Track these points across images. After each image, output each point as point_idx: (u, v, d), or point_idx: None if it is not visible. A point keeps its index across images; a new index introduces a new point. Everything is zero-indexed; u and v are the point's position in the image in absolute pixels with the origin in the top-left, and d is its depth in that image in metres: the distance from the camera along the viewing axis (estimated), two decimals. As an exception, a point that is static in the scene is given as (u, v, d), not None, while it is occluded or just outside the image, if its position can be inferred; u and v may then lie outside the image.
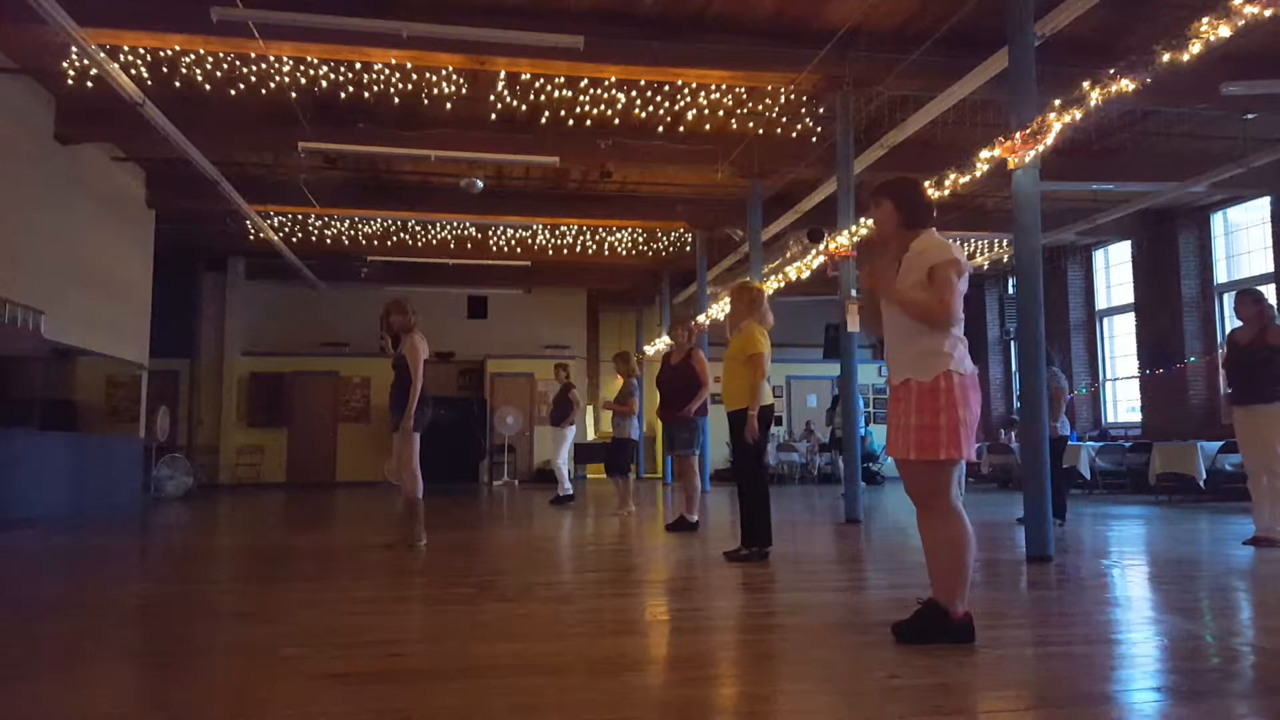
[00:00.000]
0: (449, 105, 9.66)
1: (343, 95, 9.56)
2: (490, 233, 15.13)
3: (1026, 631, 3.71)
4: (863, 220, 8.94)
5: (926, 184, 8.38)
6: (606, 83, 9.34)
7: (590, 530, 8.19)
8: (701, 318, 13.96)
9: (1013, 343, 16.28)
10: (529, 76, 9.21)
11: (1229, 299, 13.53)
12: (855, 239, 8.89)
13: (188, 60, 8.78)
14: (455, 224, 14.65)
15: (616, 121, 10.17)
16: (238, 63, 8.77)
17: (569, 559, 6.24)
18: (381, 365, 20.75)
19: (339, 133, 10.19)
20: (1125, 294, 15.13)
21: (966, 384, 3.24)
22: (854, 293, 8.99)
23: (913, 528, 8.29)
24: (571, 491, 11.50)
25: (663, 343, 15.08)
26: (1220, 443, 11.00)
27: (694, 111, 10.07)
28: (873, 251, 3.55)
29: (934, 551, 3.35)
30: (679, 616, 4.09)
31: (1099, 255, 15.98)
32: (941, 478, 3.28)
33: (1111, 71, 5.93)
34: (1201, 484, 10.72)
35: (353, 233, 14.78)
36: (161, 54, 8.61)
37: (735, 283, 6.45)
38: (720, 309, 13.63)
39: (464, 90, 9.50)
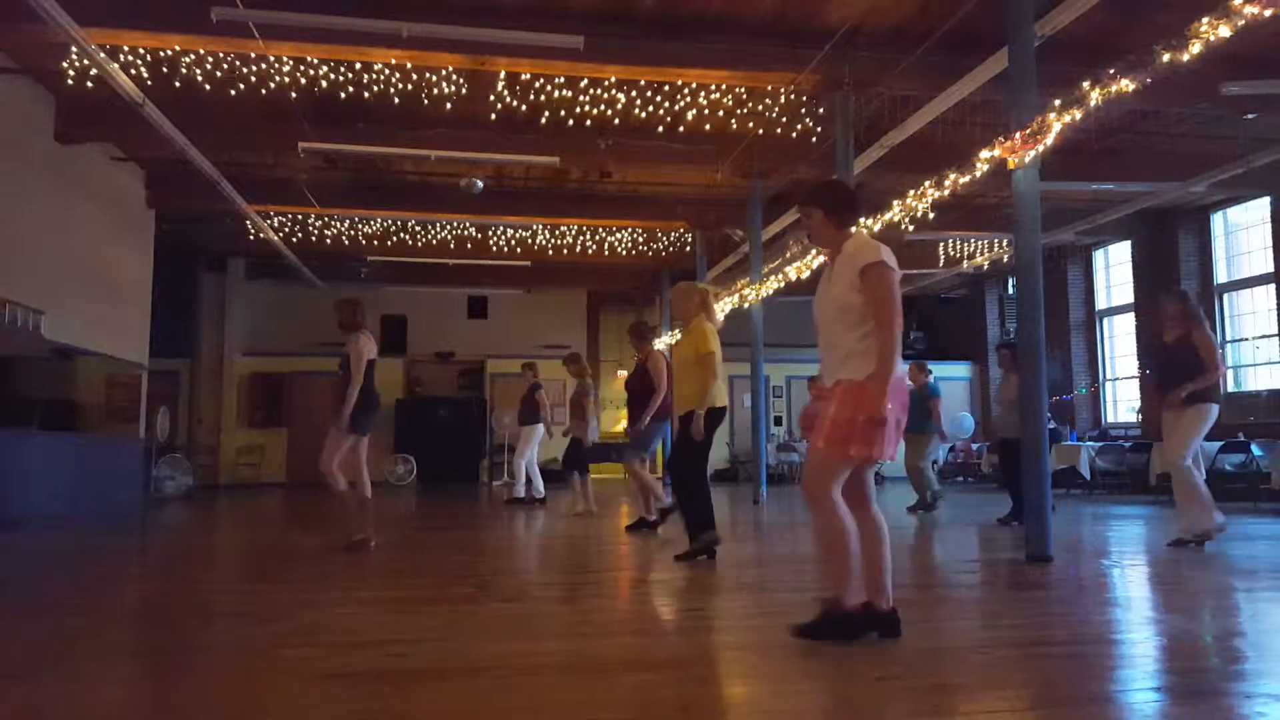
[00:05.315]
0: (449, 105, 9.66)
1: (343, 95, 9.56)
2: (490, 233, 15.13)
3: (1026, 631, 3.70)
4: (863, 220, 8.93)
5: (927, 184, 8.39)
6: (606, 83, 9.34)
7: (590, 531, 8.18)
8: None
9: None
10: (529, 76, 9.21)
11: (1229, 299, 13.57)
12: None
13: (188, 60, 8.77)
14: (455, 224, 14.65)
15: (616, 121, 10.16)
16: (238, 63, 8.77)
17: (569, 559, 6.24)
18: (381, 365, 20.68)
19: (339, 133, 10.19)
20: (1125, 294, 15.13)
21: (891, 387, 3.22)
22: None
23: (908, 527, 8.32)
24: (524, 495, 11.17)
25: (661, 344, 15.07)
26: (1220, 443, 11.00)
27: (694, 111, 10.07)
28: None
29: (820, 545, 3.34)
30: (678, 616, 4.09)
31: (1099, 255, 15.99)
32: (834, 470, 3.28)
33: (1111, 71, 5.92)
34: (1201, 484, 10.70)
35: (353, 233, 14.78)
36: (161, 54, 8.61)
37: (681, 284, 6.20)
38: (720, 309, 13.61)
39: (464, 90, 9.49)
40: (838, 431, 3.22)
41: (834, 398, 3.29)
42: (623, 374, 16.70)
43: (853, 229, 3.47)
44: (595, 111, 9.93)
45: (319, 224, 14.46)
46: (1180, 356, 6.35)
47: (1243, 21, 5.11)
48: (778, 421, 19.78)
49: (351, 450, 6.44)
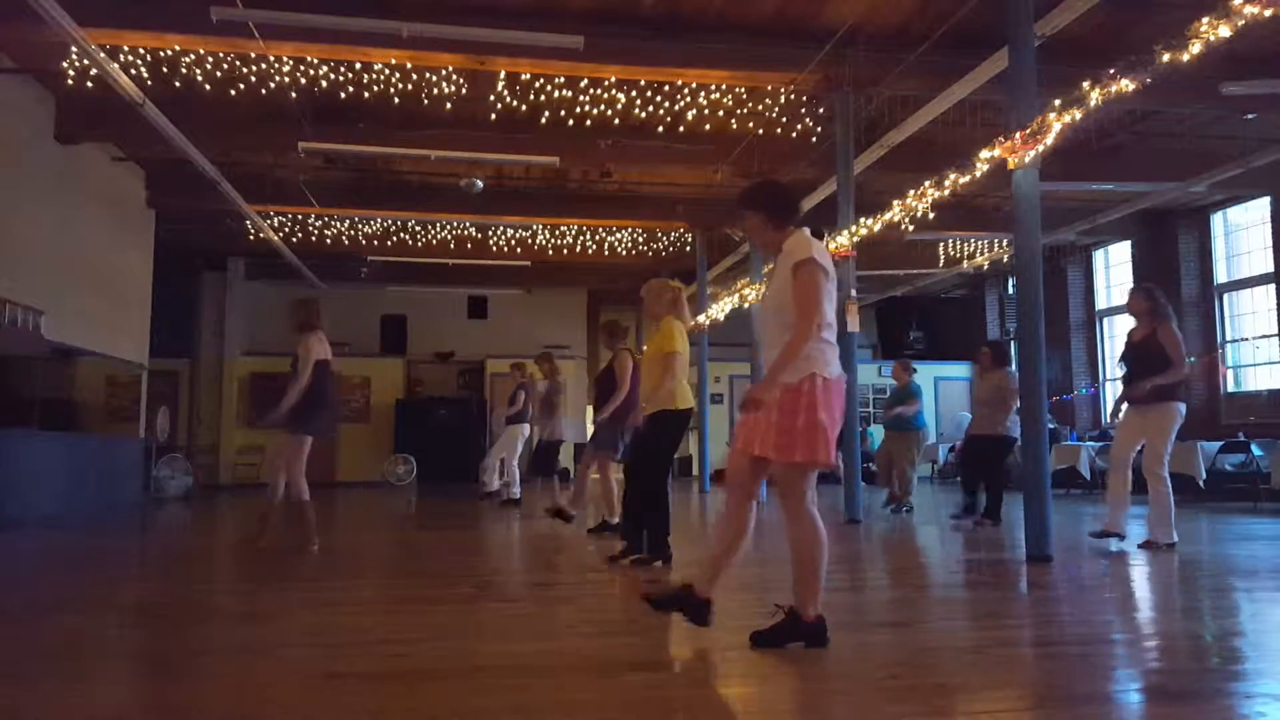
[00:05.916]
0: (449, 105, 9.65)
1: (343, 95, 9.56)
2: (490, 233, 15.12)
3: (1026, 631, 3.71)
4: (863, 220, 8.93)
5: (927, 184, 8.39)
6: (606, 83, 9.33)
7: (588, 531, 8.18)
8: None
9: (1013, 343, 16.28)
10: (529, 76, 9.20)
11: (1229, 299, 13.56)
12: (855, 240, 8.89)
13: (188, 60, 8.77)
14: (455, 224, 14.64)
15: (616, 121, 10.16)
16: (238, 63, 8.77)
17: (568, 559, 6.24)
18: (381, 365, 20.55)
19: (339, 133, 10.17)
20: (1125, 294, 15.11)
21: (831, 388, 3.19)
22: (853, 293, 8.99)
23: (912, 527, 8.32)
24: (519, 495, 11.15)
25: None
26: (1220, 442, 11.00)
27: (694, 111, 10.06)
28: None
29: (795, 555, 3.29)
30: (678, 616, 4.08)
31: (1099, 255, 15.99)
32: (797, 480, 3.23)
33: (1111, 71, 5.92)
34: (1201, 484, 10.71)
35: (353, 233, 14.77)
36: (161, 54, 8.61)
37: (652, 281, 6.04)
38: (720, 309, 13.64)
39: (464, 90, 9.49)
40: (782, 439, 3.17)
41: (774, 404, 3.23)
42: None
43: (792, 228, 3.43)
44: (595, 111, 9.93)
45: (319, 224, 14.46)
46: (1147, 353, 6.34)
47: (1243, 21, 5.11)
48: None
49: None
